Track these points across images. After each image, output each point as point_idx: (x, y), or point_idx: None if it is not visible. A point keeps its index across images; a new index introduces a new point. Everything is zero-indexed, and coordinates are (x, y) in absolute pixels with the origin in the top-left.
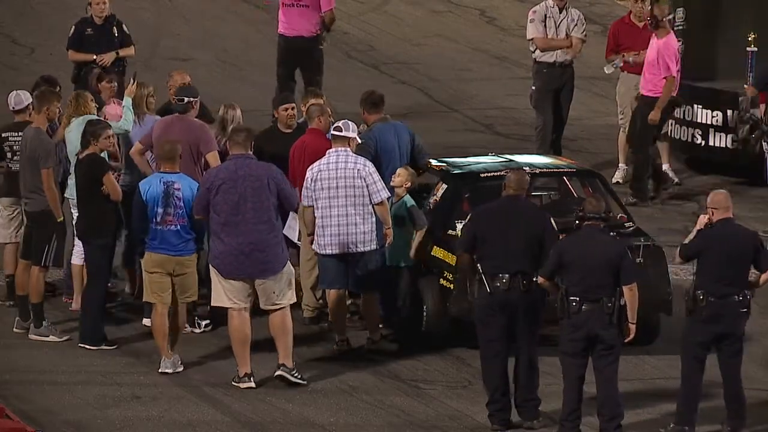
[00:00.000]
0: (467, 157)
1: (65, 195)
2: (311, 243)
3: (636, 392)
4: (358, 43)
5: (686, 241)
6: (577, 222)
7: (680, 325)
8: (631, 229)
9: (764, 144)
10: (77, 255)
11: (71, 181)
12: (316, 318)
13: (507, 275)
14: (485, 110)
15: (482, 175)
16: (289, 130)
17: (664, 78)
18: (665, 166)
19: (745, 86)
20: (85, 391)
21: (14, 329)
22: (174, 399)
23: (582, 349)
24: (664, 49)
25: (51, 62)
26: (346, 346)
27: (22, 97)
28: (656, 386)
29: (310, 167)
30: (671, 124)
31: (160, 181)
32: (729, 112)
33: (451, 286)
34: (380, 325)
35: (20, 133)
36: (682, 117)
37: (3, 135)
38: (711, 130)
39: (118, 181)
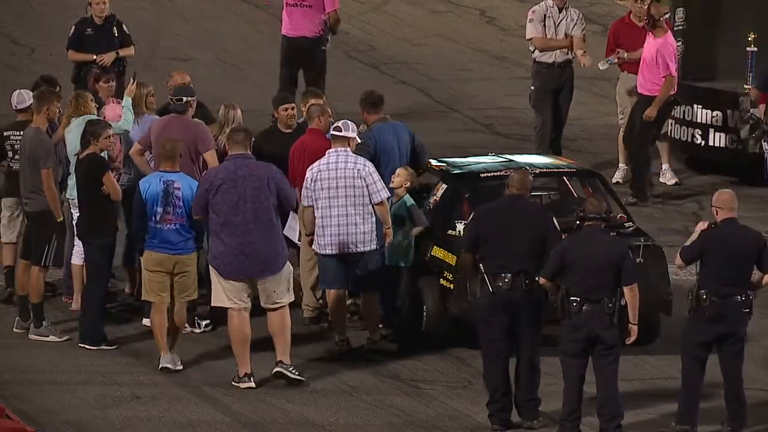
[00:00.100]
0: (467, 157)
1: (66, 195)
2: (310, 243)
3: (636, 392)
4: (358, 43)
5: (687, 243)
6: (578, 222)
7: (680, 325)
8: (631, 229)
9: (764, 144)
10: (77, 255)
11: (71, 181)
12: (316, 318)
13: (509, 275)
14: (485, 110)
15: (482, 175)
16: (289, 130)
17: (664, 77)
18: (665, 166)
19: (746, 87)
20: (85, 391)
21: (14, 329)
22: (174, 399)
23: (582, 349)
24: (663, 49)
25: (51, 62)
26: (346, 346)
27: (24, 96)
28: (656, 386)
29: (309, 167)
30: (671, 124)
31: (159, 180)
32: (729, 112)
33: (451, 286)
34: (380, 325)
35: (22, 132)
36: (682, 117)
37: (5, 134)
38: (711, 130)
39: (118, 181)
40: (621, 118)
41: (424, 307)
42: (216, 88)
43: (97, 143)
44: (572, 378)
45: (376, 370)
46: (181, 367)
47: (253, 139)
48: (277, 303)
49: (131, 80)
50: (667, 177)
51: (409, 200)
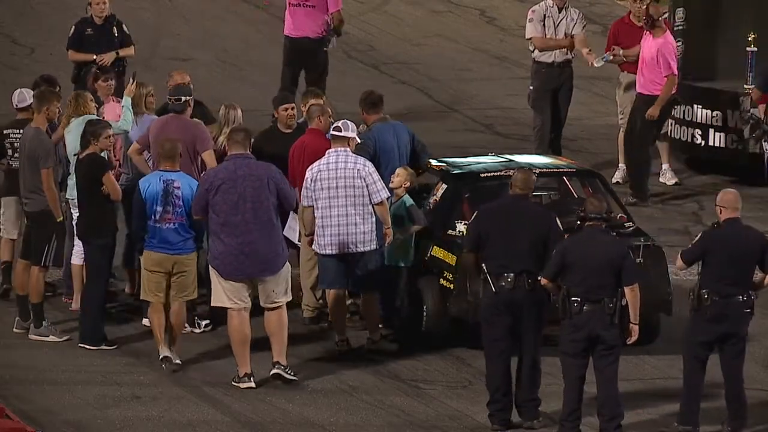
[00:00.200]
0: (467, 157)
1: (65, 195)
2: (310, 243)
3: (636, 392)
4: (358, 43)
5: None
6: (578, 222)
7: (680, 325)
8: (631, 229)
9: (765, 144)
10: (77, 255)
11: (71, 181)
12: (316, 318)
13: (512, 274)
14: (485, 110)
15: (482, 175)
16: (289, 130)
17: (666, 76)
18: (665, 166)
19: (746, 87)
20: (85, 391)
21: (14, 329)
22: (174, 399)
23: (583, 349)
24: (664, 48)
25: (51, 62)
26: (346, 346)
27: (25, 95)
28: (656, 386)
29: (309, 167)
30: (671, 124)
31: (159, 180)
32: (729, 112)
33: (451, 286)
34: (380, 325)
35: (22, 131)
36: (682, 117)
37: (4, 132)
38: (711, 130)
39: (118, 181)
40: (621, 118)
41: (424, 307)
42: (216, 88)
43: (97, 143)
44: (572, 378)
45: (376, 370)
46: (179, 362)
47: (252, 139)
48: (275, 303)
49: (131, 80)
50: (667, 177)
51: (408, 200)
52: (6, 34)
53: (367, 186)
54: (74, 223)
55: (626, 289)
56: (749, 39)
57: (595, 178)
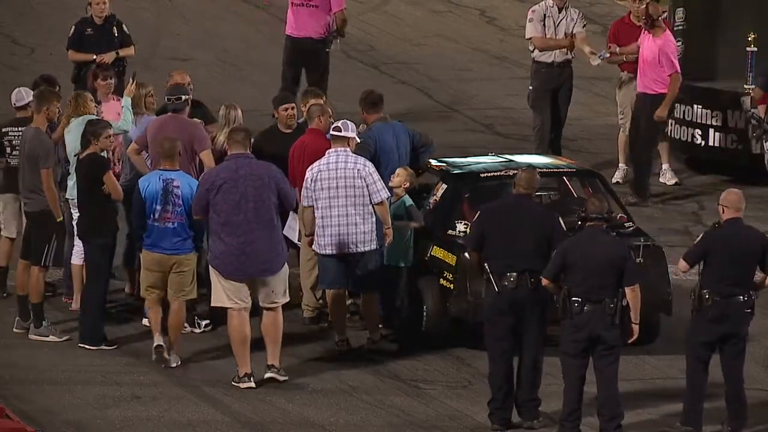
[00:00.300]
0: (467, 157)
1: (66, 195)
2: (310, 243)
3: (636, 392)
4: (358, 43)
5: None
6: (579, 222)
7: (680, 325)
8: (631, 229)
9: (765, 144)
10: (77, 255)
11: (71, 181)
12: (316, 318)
13: (515, 274)
14: (485, 110)
15: (482, 175)
16: (289, 130)
17: (669, 75)
18: (665, 166)
19: (746, 87)
20: (85, 391)
21: (14, 329)
22: (174, 399)
23: (583, 349)
24: (665, 47)
25: (51, 62)
26: (346, 346)
27: (23, 94)
28: (656, 386)
29: (309, 167)
30: (671, 124)
31: (159, 179)
32: (729, 112)
33: (451, 286)
34: (380, 325)
35: (20, 129)
36: (682, 117)
37: (3, 130)
38: (711, 130)
39: (118, 180)
40: (621, 118)
41: (424, 307)
42: (216, 88)
43: (97, 143)
44: (573, 378)
45: (376, 370)
46: (178, 362)
47: (252, 139)
48: (274, 303)
49: (131, 80)
50: (667, 177)
51: (408, 200)
52: (6, 34)
53: (367, 186)
54: (74, 223)
55: (627, 290)
56: (749, 39)
57: (595, 178)
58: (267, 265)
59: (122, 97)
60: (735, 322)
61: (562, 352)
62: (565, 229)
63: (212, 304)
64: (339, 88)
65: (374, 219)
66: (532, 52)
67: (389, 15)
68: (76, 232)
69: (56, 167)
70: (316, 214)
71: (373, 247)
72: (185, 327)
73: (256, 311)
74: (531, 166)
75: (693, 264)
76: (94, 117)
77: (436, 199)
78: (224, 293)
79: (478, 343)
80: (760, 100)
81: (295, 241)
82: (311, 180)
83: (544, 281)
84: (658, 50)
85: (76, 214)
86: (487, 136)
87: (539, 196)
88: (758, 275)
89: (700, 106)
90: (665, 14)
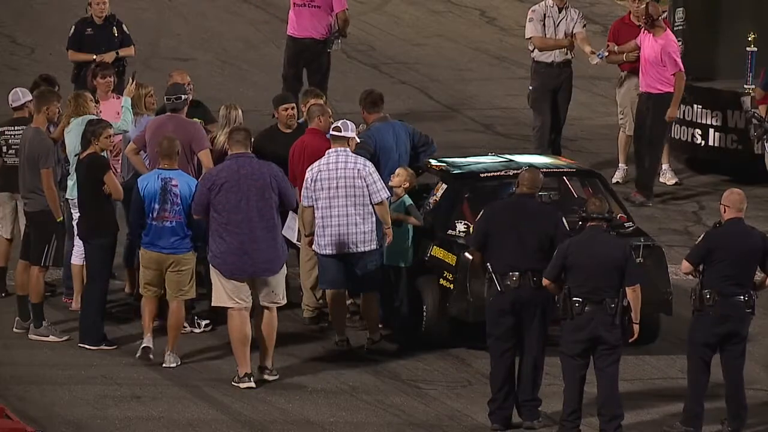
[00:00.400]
0: (467, 157)
1: (66, 195)
2: (310, 243)
3: (636, 392)
4: (358, 43)
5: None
6: (580, 223)
7: (680, 325)
8: (631, 229)
9: (766, 144)
10: (77, 255)
11: (71, 181)
12: (316, 318)
13: (517, 273)
14: (485, 110)
15: (482, 175)
16: (289, 130)
17: (674, 74)
18: (665, 166)
19: (746, 87)
20: (85, 391)
21: (14, 329)
22: (174, 399)
23: (584, 350)
24: (667, 47)
25: (51, 62)
26: (346, 346)
27: (20, 94)
28: (656, 386)
29: (309, 167)
30: (671, 124)
31: (157, 178)
32: (729, 112)
33: (451, 286)
34: (380, 325)
35: (17, 128)
36: (682, 117)
37: (0, 129)
38: (711, 130)
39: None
40: (621, 118)
41: (424, 307)
42: (216, 88)
43: (97, 143)
44: (573, 378)
45: (376, 370)
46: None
47: (253, 139)
48: (273, 303)
49: (131, 80)
50: (667, 177)
51: (407, 200)
52: (6, 34)
53: (367, 186)
54: (74, 223)
55: (628, 290)
56: (749, 39)
57: (595, 178)
58: (268, 264)
59: (122, 96)
60: (736, 323)
61: (563, 353)
62: (568, 228)
63: (213, 304)
64: (339, 88)
65: (374, 219)
66: (532, 52)
67: (389, 15)
68: (76, 232)
69: (56, 167)
70: (316, 214)
71: (373, 247)
72: (185, 327)
73: (251, 312)
74: (533, 166)
75: (696, 264)
76: (94, 117)
77: (436, 199)
78: (225, 293)
79: (478, 343)
80: (760, 100)
81: (294, 241)
82: (311, 180)
83: (545, 282)
84: (660, 50)
85: (76, 214)
86: (487, 136)
87: (540, 196)
88: (759, 275)
89: (700, 106)
90: (665, 14)
